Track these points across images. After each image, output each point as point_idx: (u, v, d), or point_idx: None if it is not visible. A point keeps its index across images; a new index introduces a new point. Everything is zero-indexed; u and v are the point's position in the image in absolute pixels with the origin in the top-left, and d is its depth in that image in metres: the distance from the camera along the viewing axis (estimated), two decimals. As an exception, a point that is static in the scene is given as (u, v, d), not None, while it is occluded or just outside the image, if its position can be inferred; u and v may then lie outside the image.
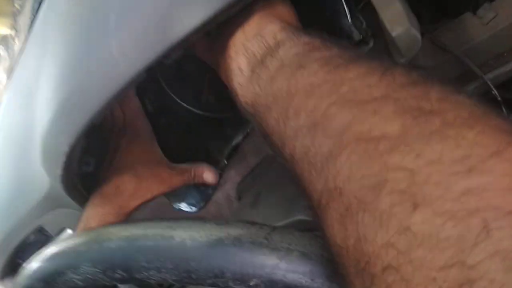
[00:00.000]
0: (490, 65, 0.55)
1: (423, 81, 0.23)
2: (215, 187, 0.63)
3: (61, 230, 0.72)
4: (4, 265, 0.87)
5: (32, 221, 0.73)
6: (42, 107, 0.51)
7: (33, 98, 0.60)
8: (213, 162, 0.66)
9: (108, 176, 0.53)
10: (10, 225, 0.75)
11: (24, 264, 0.35)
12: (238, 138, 0.61)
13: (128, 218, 0.48)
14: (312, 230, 0.28)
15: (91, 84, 0.42)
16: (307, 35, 0.33)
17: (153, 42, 0.40)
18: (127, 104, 0.58)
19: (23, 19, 0.82)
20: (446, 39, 0.52)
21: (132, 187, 0.51)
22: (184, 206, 0.66)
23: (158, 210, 0.69)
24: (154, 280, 0.28)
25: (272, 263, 0.26)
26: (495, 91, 0.53)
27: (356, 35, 0.48)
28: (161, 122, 0.64)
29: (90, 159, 0.58)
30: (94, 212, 0.48)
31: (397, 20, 0.42)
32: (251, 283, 0.26)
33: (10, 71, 0.98)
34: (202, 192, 0.66)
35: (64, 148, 0.48)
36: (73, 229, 0.68)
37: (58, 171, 0.52)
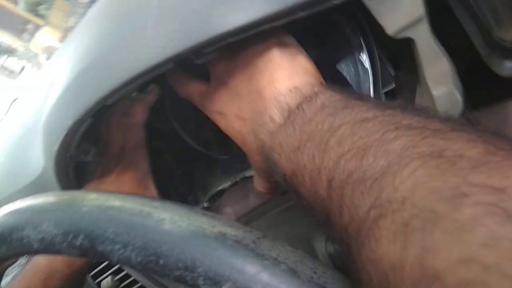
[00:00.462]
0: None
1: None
2: None
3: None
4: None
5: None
6: (59, 79, 0.49)
7: (54, 78, 0.58)
8: (193, 201, 0.63)
9: None
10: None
11: None
12: (225, 184, 0.59)
13: None
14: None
15: (115, 59, 0.41)
16: (346, 92, 0.34)
17: (188, 32, 0.39)
18: (132, 131, 0.57)
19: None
20: (485, 120, 0.50)
21: None
22: None
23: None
24: (115, 258, 0.24)
25: (253, 271, 0.22)
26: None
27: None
28: (154, 144, 0.62)
29: (90, 148, 0.56)
30: None
31: (441, 79, 0.40)
32: (223, 287, 0.22)
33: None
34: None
35: (68, 121, 0.46)
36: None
37: (55, 147, 0.49)
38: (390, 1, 0.39)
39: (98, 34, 0.49)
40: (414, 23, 0.39)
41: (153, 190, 0.57)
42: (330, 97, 0.33)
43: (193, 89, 0.47)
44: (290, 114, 0.34)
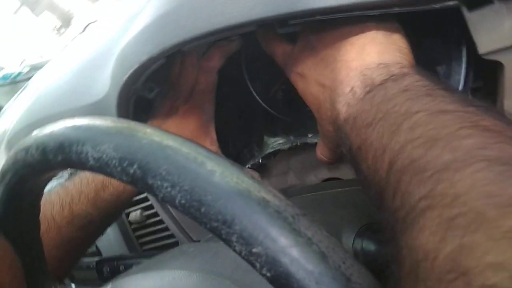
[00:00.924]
0: None
1: None
2: None
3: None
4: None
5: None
6: (145, 13, 0.51)
7: (140, 11, 0.60)
8: (248, 154, 0.64)
9: None
10: (55, 111, 0.76)
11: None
12: (284, 145, 0.59)
13: None
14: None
15: (204, 7, 0.41)
16: (436, 81, 0.33)
17: (280, 0, 0.39)
18: (206, 74, 0.58)
19: None
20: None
21: None
22: None
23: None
24: (161, 194, 0.25)
25: (285, 243, 0.23)
26: None
27: None
28: (221, 91, 0.63)
29: (155, 87, 0.58)
30: None
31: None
32: (253, 249, 0.23)
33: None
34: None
35: (143, 56, 0.47)
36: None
37: (125, 77, 0.51)
38: (492, 19, 0.37)
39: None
40: (509, 48, 0.38)
41: (213, 135, 0.58)
42: (416, 81, 0.32)
43: (278, 47, 0.48)
44: (372, 90, 0.34)
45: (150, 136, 0.28)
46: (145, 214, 0.74)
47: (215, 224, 0.24)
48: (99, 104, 0.68)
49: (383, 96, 0.32)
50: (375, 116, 0.31)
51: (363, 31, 0.39)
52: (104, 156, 0.28)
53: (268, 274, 0.23)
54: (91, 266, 0.73)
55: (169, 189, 0.25)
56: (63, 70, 0.91)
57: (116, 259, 0.64)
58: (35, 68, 1.61)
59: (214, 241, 0.51)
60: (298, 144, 0.56)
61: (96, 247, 0.79)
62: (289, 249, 0.23)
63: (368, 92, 0.34)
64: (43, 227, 0.55)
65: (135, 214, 0.74)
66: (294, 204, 0.25)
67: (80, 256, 0.64)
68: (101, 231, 0.62)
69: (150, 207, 0.72)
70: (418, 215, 0.21)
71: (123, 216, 0.77)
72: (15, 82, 1.53)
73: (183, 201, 0.25)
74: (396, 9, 0.38)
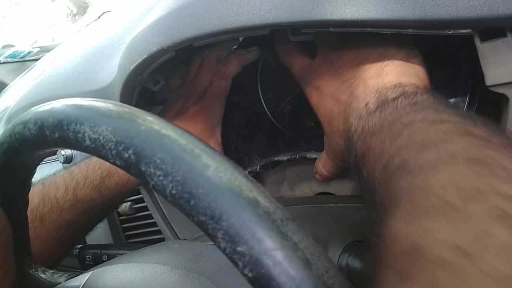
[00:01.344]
0: None
1: None
2: None
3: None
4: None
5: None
6: (161, 4, 0.51)
7: (154, 4, 0.60)
8: (248, 161, 0.64)
9: None
10: (58, 94, 0.76)
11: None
12: (283, 156, 0.59)
13: None
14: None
15: (220, 6, 0.42)
16: (447, 102, 0.35)
17: (296, 7, 0.39)
18: (220, 80, 0.59)
19: None
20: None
21: None
22: None
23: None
24: (153, 182, 0.25)
25: (271, 245, 0.23)
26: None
27: None
28: (233, 98, 0.64)
29: (160, 80, 0.58)
30: None
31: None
32: (238, 248, 0.23)
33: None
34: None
35: (153, 47, 0.47)
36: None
37: (132, 66, 0.51)
38: (501, 53, 0.37)
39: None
40: (517, 83, 0.38)
41: (218, 137, 0.59)
42: (426, 99, 0.34)
43: (296, 59, 0.49)
44: (384, 104, 0.36)
45: (150, 123, 0.27)
46: (135, 206, 0.74)
47: (203, 218, 0.24)
48: (103, 91, 0.68)
49: (392, 109, 0.33)
50: (381, 126, 0.32)
51: (384, 53, 0.40)
52: (101, 137, 0.27)
53: (250, 275, 0.22)
54: (74, 252, 0.73)
55: (161, 178, 0.25)
56: (72, 54, 0.91)
57: (99, 248, 0.64)
58: (45, 50, 1.61)
59: (200, 240, 0.51)
60: (297, 158, 0.57)
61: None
62: (273, 252, 0.22)
63: (379, 106, 0.36)
64: (46, 208, 0.56)
65: (124, 205, 0.73)
66: (284, 209, 0.25)
67: (77, 241, 0.64)
68: (101, 218, 0.63)
69: (141, 200, 0.71)
70: (395, 205, 0.23)
71: (113, 206, 0.76)
72: (23, 61, 1.54)
73: (173, 191, 0.24)
74: (410, 31, 0.38)
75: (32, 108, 0.34)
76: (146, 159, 0.25)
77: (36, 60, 1.51)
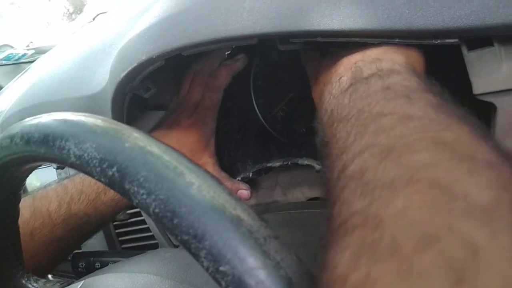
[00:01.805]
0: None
1: None
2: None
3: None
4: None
5: (66, 108, 0.73)
6: (151, 13, 0.51)
7: (146, 10, 0.60)
8: (241, 167, 0.64)
9: None
10: (51, 99, 0.76)
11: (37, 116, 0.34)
12: (275, 163, 0.59)
13: None
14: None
15: (208, 16, 0.42)
16: (427, 83, 0.32)
17: (283, 17, 0.39)
18: (211, 92, 0.60)
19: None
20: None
21: None
22: None
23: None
24: (136, 200, 0.25)
25: (253, 265, 0.23)
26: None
27: None
28: (226, 104, 0.64)
29: (151, 88, 0.58)
30: None
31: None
32: (220, 267, 0.23)
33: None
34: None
35: (143, 55, 0.47)
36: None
37: (122, 74, 0.51)
38: (489, 62, 0.37)
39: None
40: (504, 92, 0.38)
41: (212, 149, 0.60)
42: (401, 79, 0.31)
43: (309, 58, 0.48)
44: (355, 83, 0.34)
45: (135, 140, 0.27)
46: (129, 212, 0.74)
47: (186, 237, 0.24)
48: (96, 97, 0.68)
49: (362, 92, 0.31)
50: (349, 112, 0.30)
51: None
52: (86, 155, 0.27)
53: (233, 294, 0.23)
54: (68, 258, 0.73)
55: (144, 196, 0.25)
56: (66, 58, 0.90)
57: (92, 255, 0.64)
58: (40, 52, 1.61)
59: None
60: (289, 164, 0.57)
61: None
62: (256, 271, 0.23)
63: (351, 85, 0.34)
64: (37, 222, 0.55)
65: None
66: (268, 226, 0.25)
67: (66, 256, 0.63)
68: (93, 233, 0.62)
69: (135, 206, 0.71)
70: (347, 231, 0.21)
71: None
72: (18, 63, 1.54)
73: (157, 210, 0.24)
74: (397, 40, 0.38)
75: (20, 122, 0.34)
76: (129, 177, 0.26)
77: (31, 62, 1.51)
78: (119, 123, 0.29)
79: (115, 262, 0.60)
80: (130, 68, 0.49)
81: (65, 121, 0.31)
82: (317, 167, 0.53)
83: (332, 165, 0.28)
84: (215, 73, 0.59)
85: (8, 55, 1.51)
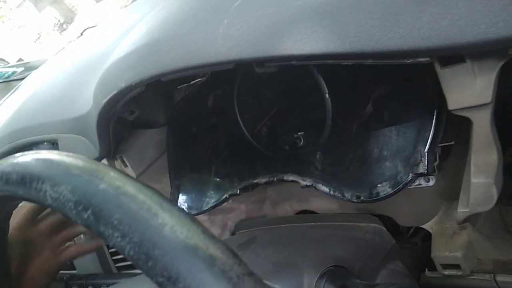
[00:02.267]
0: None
1: None
2: (217, 203, 0.62)
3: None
4: (4, 151, 0.88)
5: (54, 131, 0.73)
6: (129, 39, 0.51)
7: (127, 32, 0.61)
8: (228, 184, 0.64)
9: None
10: (39, 121, 0.76)
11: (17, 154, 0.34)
12: (262, 179, 0.60)
13: None
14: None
15: (183, 44, 0.42)
16: None
17: (257, 43, 0.39)
18: (52, 256, 0.59)
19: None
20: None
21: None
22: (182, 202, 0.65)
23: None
24: (111, 242, 0.26)
25: (227, 304, 0.23)
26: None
27: (422, 168, 0.45)
28: (212, 121, 0.65)
29: (135, 110, 0.58)
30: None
31: (484, 169, 0.39)
32: (196, 309, 0.23)
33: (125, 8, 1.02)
34: (203, 201, 0.65)
35: (122, 83, 0.47)
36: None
37: (104, 100, 0.52)
38: (462, 78, 0.38)
39: (177, 9, 0.50)
40: (478, 107, 0.38)
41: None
42: None
43: None
44: None
45: (109, 180, 0.28)
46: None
47: (160, 279, 0.24)
48: (83, 119, 0.68)
49: None
50: None
51: None
52: (61, 197, 0.28)
53: (208, 335, 0.23)
54: (64, 278, 0.73)
55: (119, 239, 0.25)
56: (53, 79, 0.91)
57: (85, 278, 0.64)
58: (29, 68, 1.61)
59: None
60: (275, 180, 0.57)
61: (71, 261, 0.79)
62: (230, 311, 0.23)
63: None
64: None
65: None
66: (242, 263, 0.25)
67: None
68: None
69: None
70: None
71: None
72: (8, 81, 1.54)
73: (131, 253, 0.25)
74: (370, 61, 0.38)
75: (1, 160, 0.34)
76: (104, 219, 0.26)
77: (22, 79, 1.51)
78: (94, 162, 0.30)
79: (108, 285, 0.61)
80: (110, 95, 0.49)
81: (42, 161, 0.31)
82: (302, 183, 0.54)
83: None
84: (65, 248, 0.58)
85: (-3, 73, 1.51)
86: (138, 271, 0.66)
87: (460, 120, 0.40)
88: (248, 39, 0.39)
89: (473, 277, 0.52)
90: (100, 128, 0.58)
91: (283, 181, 0.56)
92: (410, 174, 0.46)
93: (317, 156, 0.56)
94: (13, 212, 0.41)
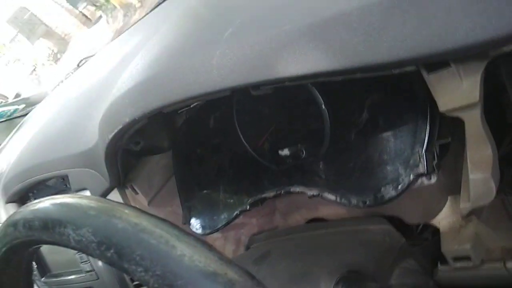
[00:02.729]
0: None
1: None
2: (228, 220, 0.64)
3: (81, 189, 0.73)
4: (16, 191, 0.90)
5: (62, 166, 0.75)
6: (129, 74, 0.53)
7: (125, 63, 0.63)
8: (237, 201, 0.66)
9: None
10: (47, 158, 0.78)
11: (33, 198, 0.36)
12: (269, 193, 0.61)
13: None
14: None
15: (180, 77, 0.44)
16: None
17: (250, 69, 0.41)
18: None
19: (154, -4, 0.88)
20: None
21: None
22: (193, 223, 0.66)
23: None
24: (136, 277, 0.27)
25: (250, 325, 0.25)
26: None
27: (422, 168, 0.47)
28: (213, 142, 0.66)
29: (140, 141, 0.60)
30: None
31: (480, 165, 0.41)
32: (221, 333, 0.25)
33: (117, 34, 1.05)
34: (215, 220, 0.66)
35: (126, 118, 0.49)
36: (92, 192, 0.69)
37: (110, 135, 0.54)
38: (449, 81, 0.40)
39: (172, 42, 0.52)
40: (468, 107, 0.40)
41: None
42: None
43: None
44: None
45: (126, 219, 0.30)
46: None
47: (185, 308, 0.26)
48: (90, 153, 0.70)
49: None
50: None
51: None
52: (84, 239, 0.30)
53: None
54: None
55: (143, 273, 0.27)
56: (56, 115, 0.93)
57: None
58: (30, 104, 1.64)
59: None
60: (282, 193, 0.59)
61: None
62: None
63: None
64: None
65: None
66: (260, 283, 0.27)
67: None
68: None
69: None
70: None
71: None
72: (11, 119, 1.57)
73: (156, 285, 0.27)
74: (359, 75, 0.40)
75: (20, 209, 0.36)
76: (126, 257, 0.28)
77: (24, 116, 1.54)
78: (110, 202, 0.32)
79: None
80: (116, 130, 0.51)
81: (60, 206, 0.33)
82: (309, 193, 0.55)
83: None
84: None
85: (0, 113, 1.54)
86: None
87: (454, 118, 0.42)
88: (241, 67, 0.41)
89: (484, 267, 0.53)
90: (108, 160, 0.60)
91: (290, 192, 0.58)
92: (411, 175, 0.48)
93: (320, 166, 0.57)
94: None
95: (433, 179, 0.52)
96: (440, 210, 0.55)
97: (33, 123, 1.17)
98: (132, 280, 0.79)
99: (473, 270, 0.54)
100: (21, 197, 0.91)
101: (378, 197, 0.51)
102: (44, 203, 0.34)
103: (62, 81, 1.49)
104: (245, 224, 0.74)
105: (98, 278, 0.83)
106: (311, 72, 0.39)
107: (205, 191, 0.70)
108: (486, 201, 0.43)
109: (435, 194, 0.54)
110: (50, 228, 0.32)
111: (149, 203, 0.69)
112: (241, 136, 0.64)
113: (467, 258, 0.53)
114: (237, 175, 0.67)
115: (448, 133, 0.48)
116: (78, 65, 1.52)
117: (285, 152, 0.61)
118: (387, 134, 0.51)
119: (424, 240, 0.61)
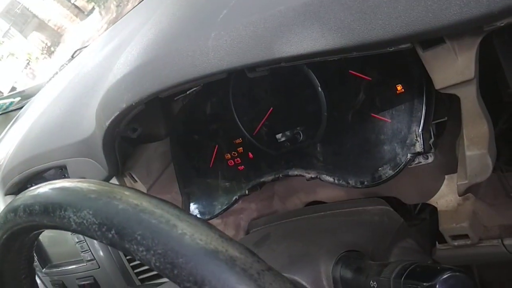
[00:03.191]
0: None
1: None
2: (228, 205, 0.64)
3: (80, 178, 0.74)
4: (15, 182, 0.90)
5: (61, 156, 0.75)
6: (124, 60, 0.53)
7: (120, 50, 0.62)
8: (236, 186, 0.66)
9: None
10: (45, 149, 0.78)
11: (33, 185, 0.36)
12: (268, 177, 0.62)
13: None
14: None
15: (176, 60, 0.44)
16: None
17: (245, 50, 0.41)
18: None
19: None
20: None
21: None
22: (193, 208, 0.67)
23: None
24: (137, 257, 0.28)
25: (251, 299, 0.25)
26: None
27: (418, 147, 0.47)
28: (211, 128, 0.67)
29: (138, 128, 0.60)
30: None
31: (477, 141, 0.41)
32: (223, 307, 0.25)
33: (111, 24, 1.04)
34: (214, 206, 0.67)
35: (123, 104, 0.49)
36: (91, 180, 0.69)
37: (107, 122, 0.54)
38: (444, 58, 0.40)
39: (166, 26, 0.52)
40: (463, 83, 0.40)
41: None
42: None
43: None
44: None
45: (126, 200, 0.30)
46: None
47: (188, 285, 0.26)
48: (87, 141, 0.70)
49: None
50: None
51: None
52: (85, 221, 0.30)
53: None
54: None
55: (144, 252, 0.27)
56: (52, 105, 0.93)
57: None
58: (26, 97, 1.63)
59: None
60: (281, 176, 0.59)
61: (94, 279, 0.81)
62: (254, 305, 0.25)
63: None
64: None
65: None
66: (260, 260, 0.27)
67: None
68: None
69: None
70: None
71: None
72: (7, 112, 1.56)
73: (157, 264, 0.27)
74: (355, 53, 0.40)
75: (19, 195, 0.36)
76: (128, 237, 0.28)
77: (20, 108, 1.53)
78: (109, 185, 0.32)
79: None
80: (113, 117, 0.51)
81: (60, 190, 0.33)
82: (307, 176, 0.56)
83: None
84: None
85: (-5, 106, 1.53)
86: (162, 280, 0.68)
87: (450, 96, 0.42)
88: (236, 48, 0.41)
89: (482, 245, 0.54)
90: (106, 148, 0.60)
91: (288, 176, 0.58)
92: (408, 154, 0.49)
93: (318, 148, 0.57)
94: None
95: (430, 158, 0.53)
96: (438, 189, 0.56)
97: (29, 115, 1.17)
98: (133, 268, 0.80)
99: (471, 248, 0.54)
100: (20, 189, 0.92)
101: (376, 177, 0.51)
102: (43, 188, 0.34)
103: (56, 73, 1.48)
104: (244, 209, 0.74)
105: (99, 267, 0.83)
106: (307, 52, 0.39)
107: (203, 177, 0.70)
108: (483, 178, 0.43)
109: (432, 174, 0.55)
110: (51, 212, 0.32)
111: (148, 190, 0.70)
112: (238, 122, 0.64)
113: (465, 236, 0.53)
114: (234, 161, 0.67)
115: (445, 112, 0.48)
116: (72, 56, 1.51)
117: (283, 136, 0.61)
118: (384, 114, 0.51)
119: (422, 219, 0.62)
